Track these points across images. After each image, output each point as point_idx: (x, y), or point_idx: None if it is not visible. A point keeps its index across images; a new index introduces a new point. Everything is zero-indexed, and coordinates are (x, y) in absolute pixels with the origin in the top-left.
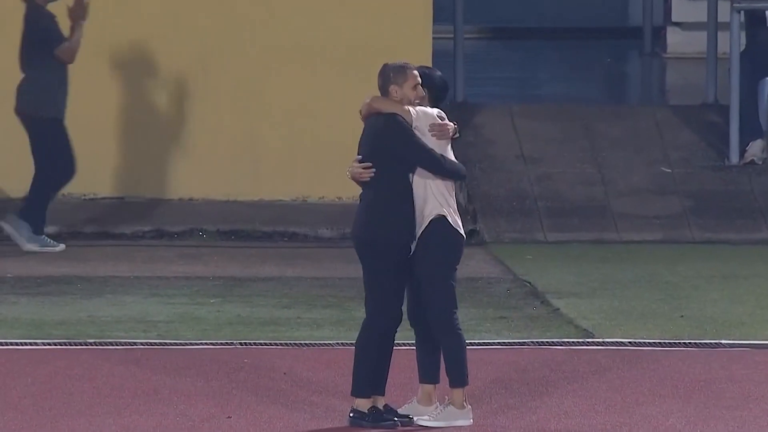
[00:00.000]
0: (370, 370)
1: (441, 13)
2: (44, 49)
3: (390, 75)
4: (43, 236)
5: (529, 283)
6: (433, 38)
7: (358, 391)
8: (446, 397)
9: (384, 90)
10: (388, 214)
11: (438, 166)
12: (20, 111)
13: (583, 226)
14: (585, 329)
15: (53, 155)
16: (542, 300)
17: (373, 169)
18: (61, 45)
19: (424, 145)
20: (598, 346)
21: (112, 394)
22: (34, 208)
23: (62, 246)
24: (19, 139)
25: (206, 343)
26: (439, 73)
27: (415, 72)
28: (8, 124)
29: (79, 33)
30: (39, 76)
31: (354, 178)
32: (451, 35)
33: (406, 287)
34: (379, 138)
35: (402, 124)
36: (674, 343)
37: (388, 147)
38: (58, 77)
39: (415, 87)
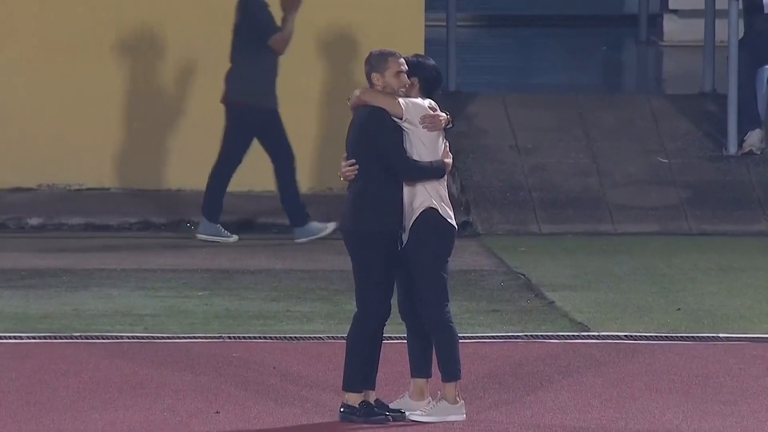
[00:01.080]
0: (361, 364)
1: (433, 1)
2: (258, 38)
3: (372, 63)
4: (218, 225)
5: (523, 275)
6: (426, 26)
7: (349, 386)
8: (438, 392)
9: (368, 78)
10: (376, 205)
11: (407, 173)
12: (230, 101)
13: (578, 217)
14: (580, 322)
15: (275, 146)
16: (536, 293)
17: (357, 165)
18: (274, 35)
19: (399, 150)
20: (593, 339)
21: (97, 388)
22: (213, 195)
23: (235, 237)
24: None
25: (194, 337)
26: (432, 62)
27: (399, 59)
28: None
29: (291, 24)
30: (251, 65)
31: (343, 178)
32: (444, 23)
33: (397, 280)
34: (362, 131)
35: (383, 121)
36: (671, 336)
37: (368, 142)
38: (271, 66)
39: (397, 74)
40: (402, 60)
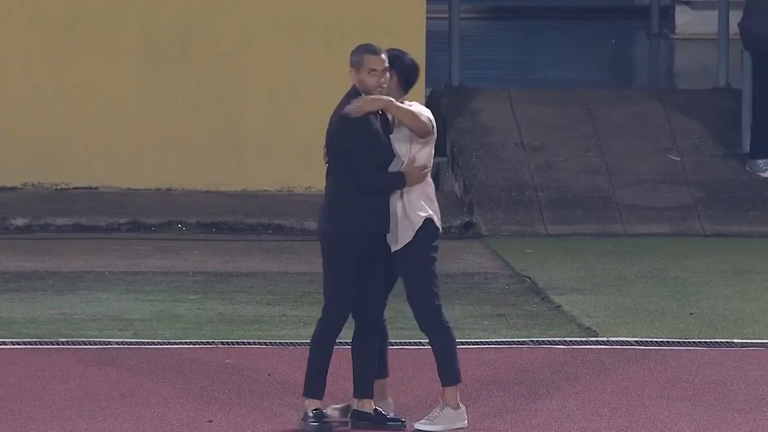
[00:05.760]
0: (323, 368)
1: None
2: None
3: (351, 57)
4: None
5: (529, 278)
6: (427, 18)
7: (362, 393)
8: (441, 399)
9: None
10: (352, 207)
11: (368, 184)
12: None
13: (587, 218)
14: (588, 327)
15: None
16: (543, 296)
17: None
18: None
19: (360, 161)
20: (602, 345)
21: (85, 396)
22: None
23: None
24: None
25: (186, 343)
26: (409, 56)
27: (377, 56)
28: None
29: None
30: None
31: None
32: (447, 15)
33: (372, 283)
34: (335, 134)
35: (353, 127)
36: (683, 342)
37: (338, 147)
38: None
39: (371, 72)
40: (383, 57)
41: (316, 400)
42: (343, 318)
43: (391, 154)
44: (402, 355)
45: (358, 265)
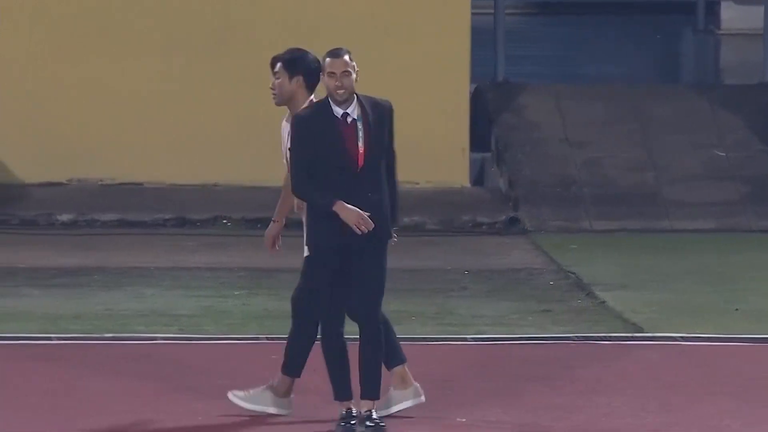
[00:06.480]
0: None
1: None
2: None
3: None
4: None
5: (575, 274)
6: (472, 14)
7: (346, 395)
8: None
9: None
10: (313, 219)
11: (295, 190)
12: None
13: (632, 213)
14: (634, 323)
15: None
16: (588, 292)
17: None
18: None
19: (293, 164)
20: (648, 341)
21: (131, 392)
22: None
23: None
24: None
25: (231, 338)
26: (312, 54)
27: (338, 59)
28: None
29: None
30: None
31: None
32: (491, 10)
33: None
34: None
35: (293, 132)
36: (729, 338)
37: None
38: None
39: (330, 74)
40: (345, 59)
41: (346, 402)
42: (333, 321)
43: (348, 161)
44: (450, 352)
45: (335, 274)
